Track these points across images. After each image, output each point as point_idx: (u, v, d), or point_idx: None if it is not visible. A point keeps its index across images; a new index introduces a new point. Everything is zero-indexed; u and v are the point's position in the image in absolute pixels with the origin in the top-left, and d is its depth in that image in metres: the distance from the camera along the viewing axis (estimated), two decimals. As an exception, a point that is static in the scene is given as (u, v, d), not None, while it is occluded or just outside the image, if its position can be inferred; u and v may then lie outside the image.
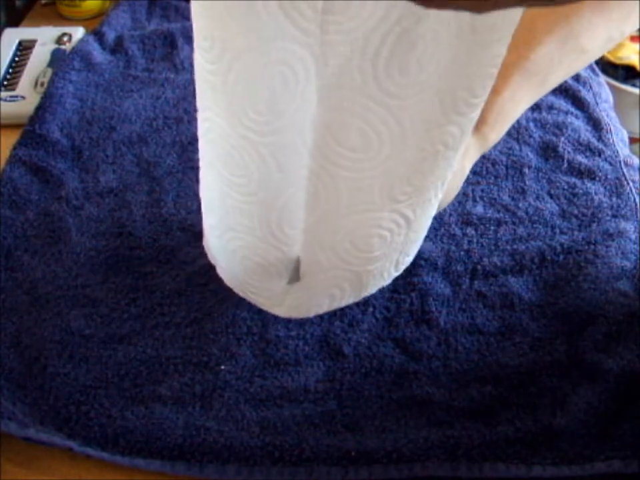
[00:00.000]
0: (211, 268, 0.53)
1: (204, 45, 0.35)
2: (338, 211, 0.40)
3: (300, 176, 0.39)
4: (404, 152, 0.38)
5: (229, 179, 0.40)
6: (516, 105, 0.47)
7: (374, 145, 0.37)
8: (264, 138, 0.37)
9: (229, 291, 0.51)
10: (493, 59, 0.36)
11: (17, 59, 0.74)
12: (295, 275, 0.45)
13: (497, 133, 0.48)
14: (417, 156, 0.38)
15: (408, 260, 0.50)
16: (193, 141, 0.64)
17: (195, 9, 0.35)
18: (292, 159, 0.38)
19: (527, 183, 0.61)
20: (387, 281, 0.49)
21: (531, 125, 0.67)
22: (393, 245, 0.45)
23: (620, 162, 0.63)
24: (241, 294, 0.49)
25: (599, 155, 0.64)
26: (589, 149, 0.64)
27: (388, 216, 0.42)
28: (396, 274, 0.50)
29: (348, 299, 0.49)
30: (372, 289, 0.49)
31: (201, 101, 0.39)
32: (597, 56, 0.51)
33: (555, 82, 0.49)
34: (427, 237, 0.56)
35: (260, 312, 0.50)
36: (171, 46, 0.76)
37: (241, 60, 0.34)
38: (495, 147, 0.53)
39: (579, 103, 0.70)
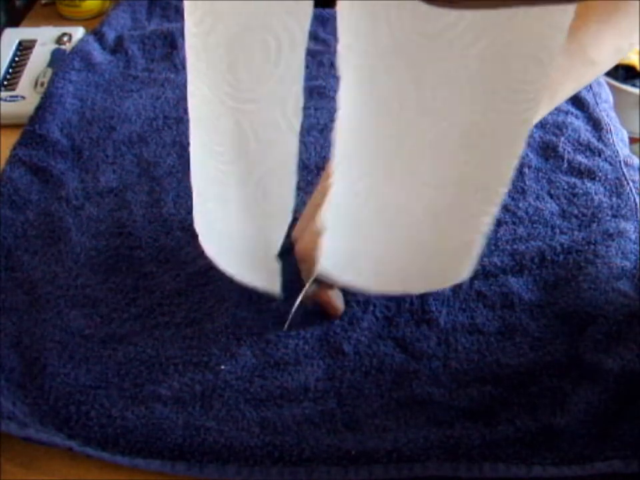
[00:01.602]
0: (211, 268, 0.53)
1: (188, 7, 0.35)
2: (360, 171, 0.40)
3: (279, 151, 0.38)
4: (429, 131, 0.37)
5: (209, 145, 0.40)
6: None
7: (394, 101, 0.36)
8: (242, 105, 0.36)
9: (229, 290, 0.51)
10: (542, 40, 0.34)
11: (17, 58, 0.74)
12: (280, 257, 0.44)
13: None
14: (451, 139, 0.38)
15: None
16: (193, 140, 0.64)
17: None
18: (269, 131, 0.37)
19: (527, 182, 0.61)
20: None
21: (531, 124, 0.67)
22: None
23: (620, 162, 0.63)
24: (223, 267, 0.47)
25: (599, 155, 0.64)
26: (589, 149, 0.64)
27: None
28: None
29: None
30: None
31: (188, 65, 0.39)
32: (608, 67, 0.51)
33: (564, 95, 0.49)
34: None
35: (260, 312, 0.50)
36: (171, 46, 0.76)
37: (221, 23, 0.34)
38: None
39: (578, 103, 0.70)
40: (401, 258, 0.44)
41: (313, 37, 0.76)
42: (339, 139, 0.38)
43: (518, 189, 0.60)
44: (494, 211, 0.42)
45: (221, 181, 0.41)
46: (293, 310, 0.48)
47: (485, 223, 0.43)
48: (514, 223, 0.57)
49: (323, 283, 0.49)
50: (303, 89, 0.36)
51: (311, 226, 0.49)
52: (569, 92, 0.49)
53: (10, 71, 0.73)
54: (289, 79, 0.35)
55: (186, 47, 0.38)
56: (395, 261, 0.44)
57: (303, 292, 0.48)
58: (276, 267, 0.45)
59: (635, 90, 1.00)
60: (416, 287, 0.48)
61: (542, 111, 0.48)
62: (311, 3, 0.33)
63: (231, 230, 0.43)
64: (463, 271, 0.45)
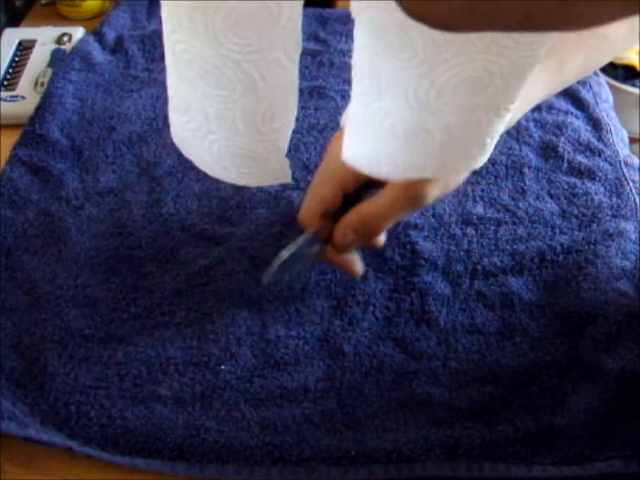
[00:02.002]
0: (211, 268, 0.53)
1: None
2: (379, 93, 0.40)
3: (283, 82, 0.39)
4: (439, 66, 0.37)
5: (210, 92, 0.41)
6: (530, 88, 0.47)
7: (407, 49, 0.37)
8: (247, 56, 0.38)
9: (228, 291, 0.51)
10: None
11: (17, 58, 0.74)
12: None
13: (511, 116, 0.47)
14: (457, 73, 0.38)
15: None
16: (193, 140, 0.64)
17: None
18: (276, 70, 0.39)
19: (527, 182, 0.61)
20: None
21: (531, 124, 0.67)
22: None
23: (620, 162, 0.63)
24: (232, 181, 0.47)
25: (599, 155, 0.64)
26: (589, 149, 0.65)
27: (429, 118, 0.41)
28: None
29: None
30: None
31: (172, 27, 0.39)
32: (620, 47, 0.50)
33: (574, 70, 0.48)
34: (426, 236, 0.56)
35: (260, 312, 0.50)
36: (171, 46, 0.76)
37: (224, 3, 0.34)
38: (495, 147, 0.53)
39: (579, 103, 0.70)
40: (418, 159, 0.45)
41: (313, 37, 0.76)
42: (355, 65, 0.39)
43: (518, 189, 0.60)
44: (505, 121, 0.43)
45: (226, 116, 0.42)
46: (284, 258, 0.46)
47: (496, 130, 0.43)
48: (514, 223, 0.57)
49: (330, 247, 0.48)
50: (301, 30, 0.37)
51: (312, 195, 0.49)
52: (578, 67, 0.49)
53: (10, 70, 0.73)
54: (289, 25, 0.36)
55: (169, 9, 0.38)
56: (413, 160, 0.45)
57: (302, 239, 0.47)
58: (285, 162, 0.45)
59: (635, 90, 1.00)
60: (434, 174, 0.48)
61: (549, 84, 0.47)
62: None
63: (241, 151, 0.44)
64: (478, 162, 0.46)
